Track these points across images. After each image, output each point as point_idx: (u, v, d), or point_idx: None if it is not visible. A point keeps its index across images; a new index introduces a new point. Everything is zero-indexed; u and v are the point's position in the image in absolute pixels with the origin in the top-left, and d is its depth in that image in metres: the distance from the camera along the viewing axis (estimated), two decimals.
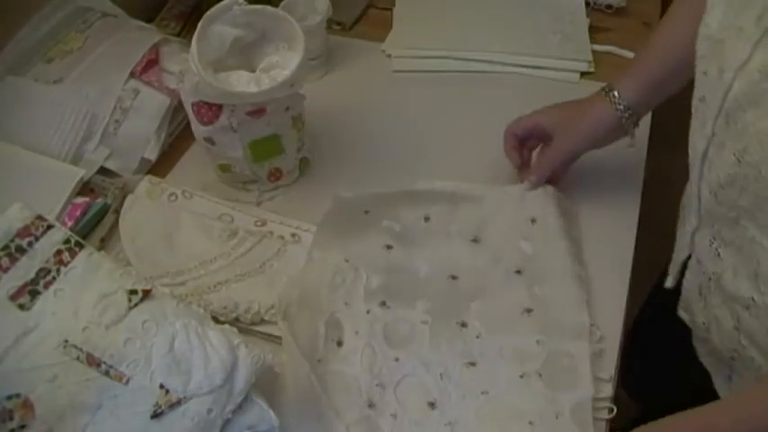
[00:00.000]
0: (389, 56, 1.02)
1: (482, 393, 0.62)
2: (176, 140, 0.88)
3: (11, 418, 0.51)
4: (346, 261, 0.71)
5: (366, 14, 1.11)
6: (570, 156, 0.75)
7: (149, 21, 1.00)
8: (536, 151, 0.80)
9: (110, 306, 0.55)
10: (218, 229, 0.75)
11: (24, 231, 0.58)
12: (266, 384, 0.58)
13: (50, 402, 0.52)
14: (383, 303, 0.68)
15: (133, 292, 0.56)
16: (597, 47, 1.00)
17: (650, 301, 0.91)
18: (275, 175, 0.81)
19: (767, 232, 0.52)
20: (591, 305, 0.68)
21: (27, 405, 0.51)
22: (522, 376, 0.63)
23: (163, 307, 0.56)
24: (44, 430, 0.51)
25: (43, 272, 0.57)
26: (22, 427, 0.51)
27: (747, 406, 0.52)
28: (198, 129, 0.76)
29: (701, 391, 0.67)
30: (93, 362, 0.53)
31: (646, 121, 0.81)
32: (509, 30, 1.03)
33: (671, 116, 0.79)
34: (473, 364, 0.64)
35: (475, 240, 0.74)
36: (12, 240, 0.57)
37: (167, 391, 0.52)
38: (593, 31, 1.03)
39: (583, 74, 0.97)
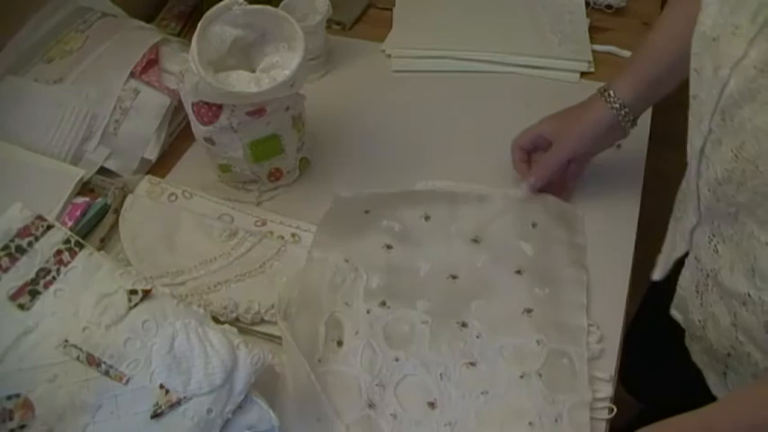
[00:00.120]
0: (389, 56, 1.02)
1: (482, 393, 0.62)
2: (176, 140, 0.88)
3: (11, 418, 0.51)
4: (346, 261, 0.71)
5: (366, 14, 1.11)
6: (569, 155, 0.75)
7: (149, 21, 1.00)
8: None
9: (110, 306, 0.55)
10: (218, 229, 0.75)
11: (24, 231, 0.58)
12: (266, 384, 0.58)
13: (50, 402, 0.52)
14: (383, 303, 0.68)
15: (133, 292, 0.56)
16: (597, 47, 1.00)
17: (647, 300, 0.91)
18: (275, 175, 0.81)
19: (765, 228, 0.52)
20: (591, 305, 0.68)
21: (27, 405, 0.51)
22: (522, 376, 0.63)
23: (163, 307, 0.56)
24: (44, 430, 0.51)
25: (43, 272, 0.57)
26: (22, 427, 0.51)
27: (747, 406, 0.52)
28: (198, 129, 0.76)
29: (697, 388, 0.67)
30: (93, 362, 0.53)
31: (645, 121, 0.81)
32: (509, 30, 1.03)
33: (670, 115, 0.79)
34: (473, 364, 0.64)
35: (475, 240, 0.74)
36: (12, 240, 0.57)
37: (167, 391, 0.52)
38: (593, 31, 1.03)
39: (583, 74, 0.97)
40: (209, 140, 0.76)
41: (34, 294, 0.56)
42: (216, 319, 0.60)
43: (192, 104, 0.74)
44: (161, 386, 0.52)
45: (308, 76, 0.87)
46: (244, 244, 0.74)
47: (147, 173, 0.84)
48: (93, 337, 0.53)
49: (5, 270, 0.56)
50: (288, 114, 0.77)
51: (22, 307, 0.55)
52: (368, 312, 0.67)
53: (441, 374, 0.63)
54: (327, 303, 0.68)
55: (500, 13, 1.06)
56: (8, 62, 0.86)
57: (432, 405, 0.62)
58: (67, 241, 0.58)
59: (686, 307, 0.66)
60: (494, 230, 0.75)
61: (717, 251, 0.59)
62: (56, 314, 0.55)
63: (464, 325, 0.67)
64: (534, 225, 0.75)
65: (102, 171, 0.82)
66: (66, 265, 0.57)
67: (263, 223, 0.77)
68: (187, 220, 0.77)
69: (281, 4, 0.83)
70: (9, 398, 0.51)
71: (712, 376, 0.67)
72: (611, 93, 0.72)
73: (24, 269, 0.56)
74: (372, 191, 0.78)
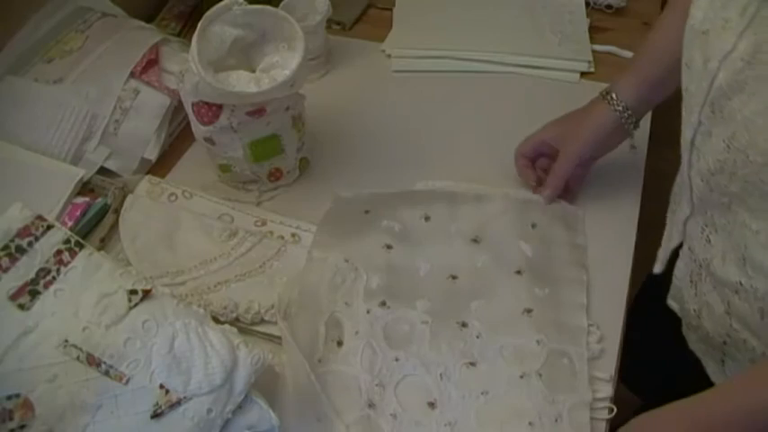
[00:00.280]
0: (389, 56, 1.02)
1: (482, 393, 0.62)
2: (176, 140, 0.88)
3: (11, 418, 0.51)
4: (346, 261, 0.71)
5: (366, 14, 1.11)
6: (577, 161, 0.75)
7: (149, 21, 1.00)
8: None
9: (110, 306, 0.55)
10: (218, 229, 0.75)
11: (24, 231, 0.58)
12: (266, 384, 0.58)
13: (50, 402, 0.52)
14: (383, 303, 0.68)
15: (133, 292, 0.56)
16: (597, 47, 1.00)
17: (641, 293, 0.92)
18: (275, 175, 0.81)
19: (757, 216, 0.53)
20: (591, 305, 0.68)
21: (27, 405, 0.51)
22: (522, 376, 0.63)
23: (163, 307, 0.56)
24: (44, 430, 0.51)
25: (43, 272, 0.57)
26: (22, 427, 0.51)
27: (744, 390, 0.52)
28: (198, 129, 0.76)
29: (695, 378, 0.67)
30: (93, 362, 0.53)
31: (646, 122, 0.81)
32: (509, 30, 1.03)
33: (670, 115, 0.79)
34: (473, 364, 0.64)
35: (475, 240, 0.74)
36: (12, 240, 0.57)
37: (167, 391, 0.52)
38: (593, 31, 1.03)
39: (583, 74, 0.97)
40: (209, 140, 0.76)
41: (34, 294, 0.56)
42: (216, 319, 0.60)
43: (192, 104, 0.74)
44: (161, 386, 0.52)
45: (308, 76, 0.87)
46: (244, 244, 0.74)
47: (147, 173, 0.84)
48: (93, 337, 0.53)
49: (5, 270, 0.56)
50: (288, 114, 0.77)
51: (22, 307, 0.55)
52: (368, 312, 0.67)
53: (441, 374, 0.63)
54: (327, 303, 0.68)
55: (500, 13, 1.06)
56: (8, 62, 0.86)
57: (432, 405, 0.62)
58: (67, 241, 0.58)
59: (682, 297, 0.67)
60: (494, 230, 0.75)
61: (709, 241, 0.60)
62: (56, 314, 0.55)
63: (464, 325, 0.67)
64: (534, 225, 0.75)
65: (102, 171, 0.82)
66: (66, 265, 0.57)
67: (263, 223, 0.77)
68: (187, 220, 0.77)
69: (281, 4, 0.83)
70: (9, 398, 0.51)
71: (711, 364, 0.68)
72: (614, 96, 0.73)
73: (24, 269, 0.56)
74: (372, 191, 0.78)
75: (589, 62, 0.98)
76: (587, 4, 1.07)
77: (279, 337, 0.64)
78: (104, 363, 0.53)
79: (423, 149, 0.86)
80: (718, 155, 0.54)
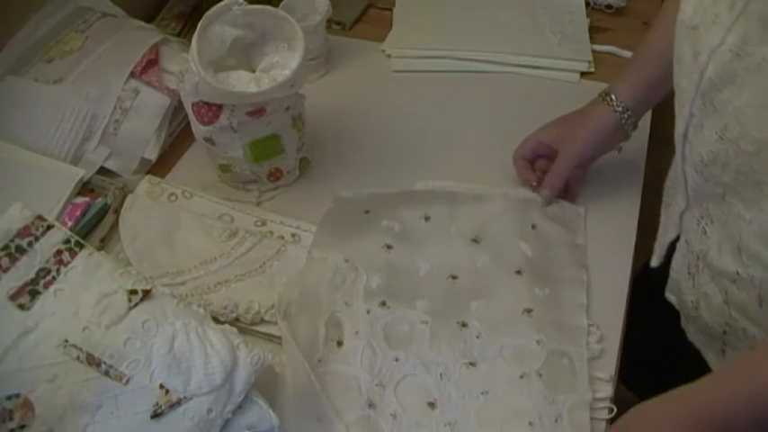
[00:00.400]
0: (389, 56, 1.02)
1: (482, 393, 0.62)
2: (176, 140, 0.88)
3: (11, 418, 0.51)
4: (346, 261, 0.71)
5: (366, 14, 1.11)
6: (576, 161, 0.75)
7: (149, 21, 1.00)
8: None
9: (110, 306, 0.55)
10: (218, 229, 0.75)
11: (24, 231, 0.58)
12: (266, 384, 0.58)
13: (50, 402, 0.52)
14: (383, 303, 0.68)
15: (133, 292, 0.56)
16: (597, 47, 1.00)
17: (636, 289, 0.92)
18: (275, 174, 0.81)
19: (750, 207, 0.54)
20: (591, 305, 0.68)
21: (27, 405, 0.51)
22: (522, 376, 0.63)
23: (163, 307, 0.56)
24: (44, 430, 0.51)
25: (43, 272, 0.57)
26: (22, 427, 0.51)
27: (745, 375, 0.51)
28: (198, 129, 0.76)
29: (695, 376, 0.67)
30: (93, 362, 0.53)
31: (645, 121, 0.81)
32: (509, 30, 1.03)
33: (670, 115, 0.79)
34: (473, 364, 0.64)
35: (475, 240, 0.74)
36: (12, 240, 0.57)
37: (167, 391, 0.52)
38: (593, 31, 1.03)
39: (583, 74, 0.97)
40: (209, 140, 0.76)
41: (34, 294, 0.56)
42: (216, 319, 0.60)
43: (192, 104, 0.74)
44: (161, 386, 0.52)
45: (308, 76, 0.87)
46: (244, 244, 0.74)
47: (147, 173, 0.84)
48: (93, 337, 0.53)
49: (5, 270, 0.56)
50: (288, 114, 0.77)
51: (22, 307, 0.55)
52: (368, 312, 0.67)
53: (441, 374, 0.63)
54: (327, 303, 0.68)
55: (500, 13, 1.06)
56: (8, 62, 0.86)
57: (432, 405, 0.62)
58: (67, 241, 0.58)
59: (680, 289, 0.67)
60: (494, 230, 0.75)
61: (705, 233, 0.60)
62: (56, 314, 0.55)
63: (464, 325, 0.67)
64: (534, 225, 0.75)
65: (102, 171, 0.82)
66: (66, 265, 0.57)
67: (263, 223, 0.77)
68: (187, 220, 0.77)
69: (281, 4, 0.83)
70: (9, 398, 0.51)
71: (711, 355, 0.68)
72: (613, 96, 0.73)
73: (24, 269, 0.56)
74: (372, 191, 0.78)
75: (589, 62, 0.98)
76: (587, 4, 1.07)
77: (279, 337, 0.64)
78: (104, 363, 0.53)
79: (423, 149, 0.86)
80: (711, 146, 0.54)
